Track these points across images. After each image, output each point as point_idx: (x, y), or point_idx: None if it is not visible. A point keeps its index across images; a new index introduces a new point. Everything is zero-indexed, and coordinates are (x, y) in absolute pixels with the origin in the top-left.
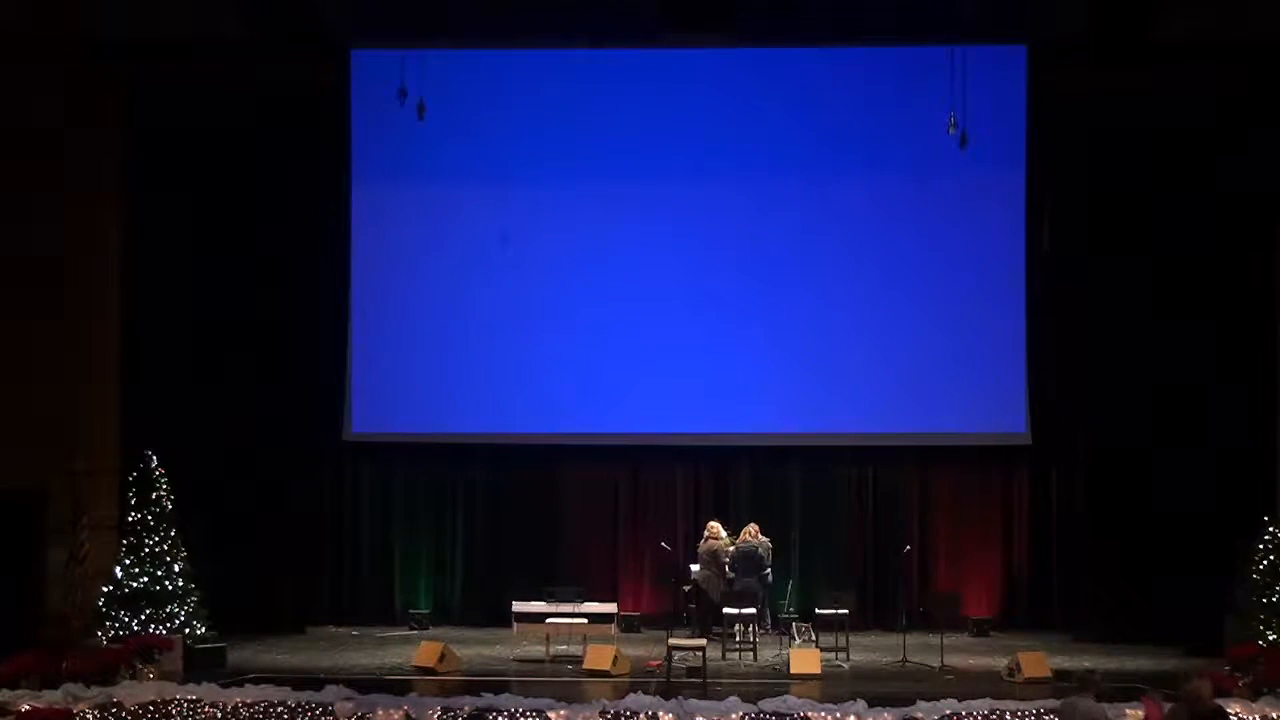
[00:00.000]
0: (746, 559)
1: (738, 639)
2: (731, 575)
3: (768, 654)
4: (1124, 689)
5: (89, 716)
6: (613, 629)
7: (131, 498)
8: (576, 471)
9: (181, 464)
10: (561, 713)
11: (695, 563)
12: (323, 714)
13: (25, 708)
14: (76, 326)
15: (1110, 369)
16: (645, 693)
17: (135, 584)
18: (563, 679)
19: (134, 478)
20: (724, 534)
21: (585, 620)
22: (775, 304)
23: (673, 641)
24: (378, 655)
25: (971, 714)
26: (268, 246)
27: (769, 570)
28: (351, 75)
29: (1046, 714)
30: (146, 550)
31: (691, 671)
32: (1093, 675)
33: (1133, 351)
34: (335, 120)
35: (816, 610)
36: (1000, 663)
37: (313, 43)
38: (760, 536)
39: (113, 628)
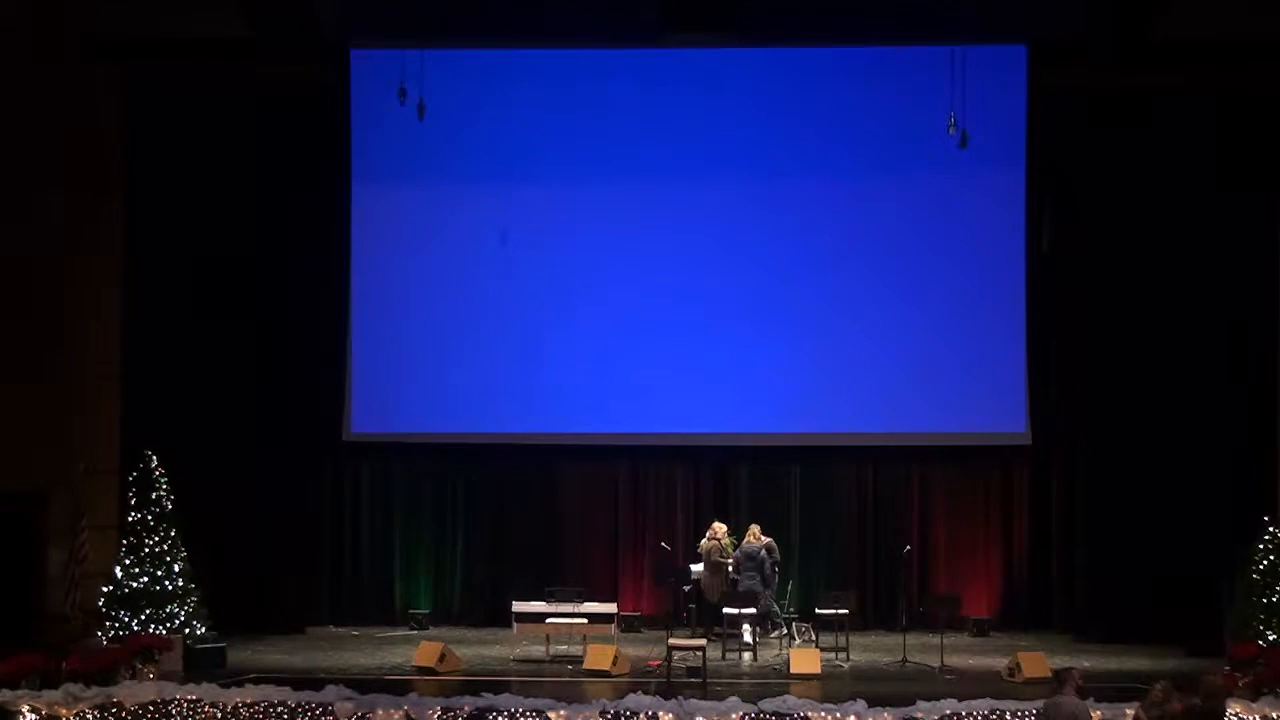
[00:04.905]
0: (748, 560)
1: (740, 639)
2: (735, 576)
3: (768, 654)
4: (1123, 689)
5: (89, 716)
6: (613, 629)
7: (131, 498)
8: (576, 471)
9: (181, 464)
10: (561, 713)
11: (695, 562)
12: (323, 714)
13: (26, 707)
14: (76, 326)
15: (1110, 369)
16: (645, 693)
17: (135, 584)
18: (563, 679)
19: (134, 478)
20: (722, 535)
21: (585, 620)
22: (775, 304)
23: (673, 641)
24: (378, 655)
25: (971, 714)
26: (268, 246)
27: (770, 571)
28: (351, 75)
29: None
30: (146, 550)
31: (691, 671)
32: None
33: (1133, 351)
34: (335, 120)
35: (816, 610)
36: (1000, 663)
37: (313, 43)
38: (762, 538)
39: (113, 628)
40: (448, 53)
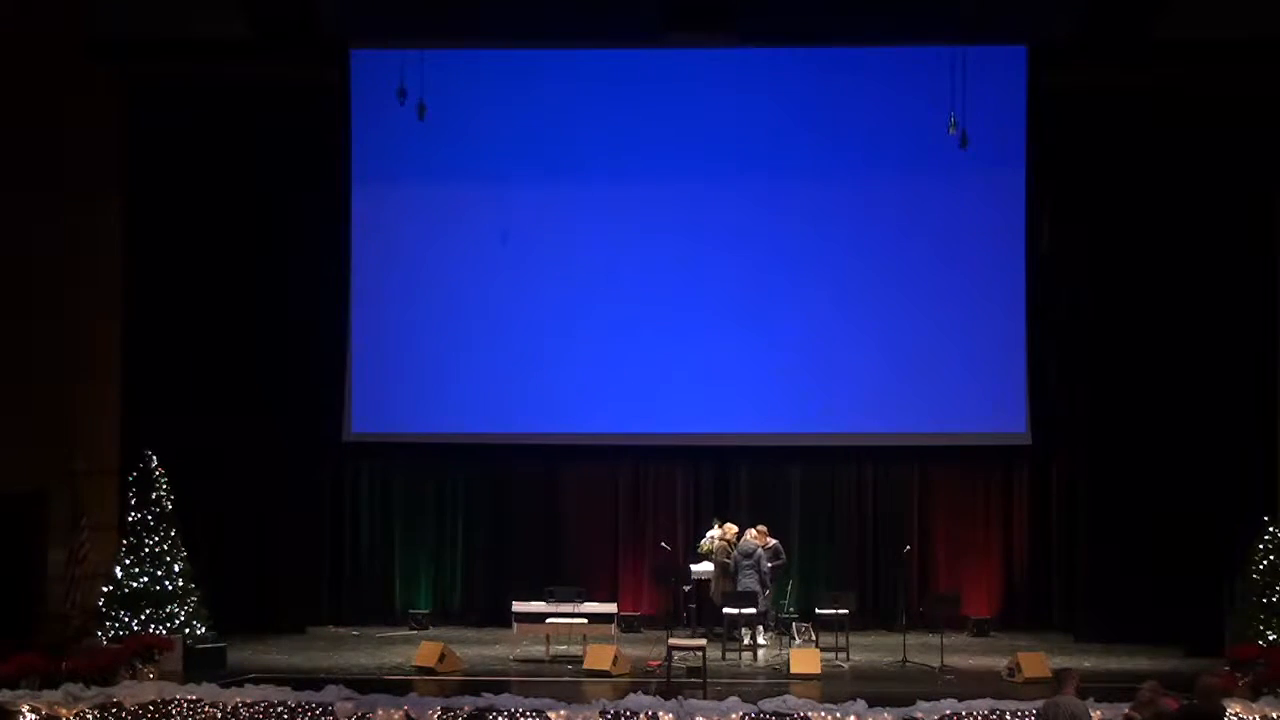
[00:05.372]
0: (744, 559)
1: (740, 640)
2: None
3: (768, 654)
4: (1123, 689)
5: (89, 716)
6: (613, 629)
7: (131, 498)
8: (576, 471)
9: (181, 464)
10: (561, 713)
11: (694, 562)
12: (323, 714)
13: (26, 707)
14: (76, 326)
15: (1110, 369)
16: (645, 693)
17: (135, 584)
18: (563, 679)
19: (134, 478)
20: (731, 536)
21: (585, 620)
22: (775, 303)
23: (673, 641)
24: (378, 655)
25: (971, 714)
26: (268, 246)
27: (768, 572)
28: (351, 75)
29: None
30: (146, 550)
31: (691, 671)
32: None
33: (1133, 352)
34: (335, 120)
35: (816, 610)
36: (1000, 663)
37: (313, 43)
38: (769, 539)
39: (113, 628)
40: (448, 53)
